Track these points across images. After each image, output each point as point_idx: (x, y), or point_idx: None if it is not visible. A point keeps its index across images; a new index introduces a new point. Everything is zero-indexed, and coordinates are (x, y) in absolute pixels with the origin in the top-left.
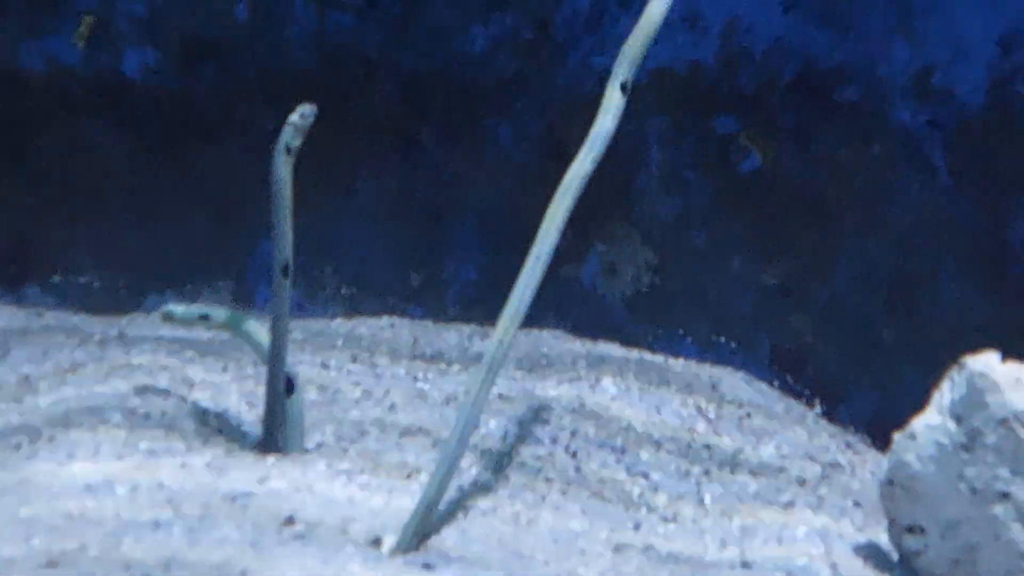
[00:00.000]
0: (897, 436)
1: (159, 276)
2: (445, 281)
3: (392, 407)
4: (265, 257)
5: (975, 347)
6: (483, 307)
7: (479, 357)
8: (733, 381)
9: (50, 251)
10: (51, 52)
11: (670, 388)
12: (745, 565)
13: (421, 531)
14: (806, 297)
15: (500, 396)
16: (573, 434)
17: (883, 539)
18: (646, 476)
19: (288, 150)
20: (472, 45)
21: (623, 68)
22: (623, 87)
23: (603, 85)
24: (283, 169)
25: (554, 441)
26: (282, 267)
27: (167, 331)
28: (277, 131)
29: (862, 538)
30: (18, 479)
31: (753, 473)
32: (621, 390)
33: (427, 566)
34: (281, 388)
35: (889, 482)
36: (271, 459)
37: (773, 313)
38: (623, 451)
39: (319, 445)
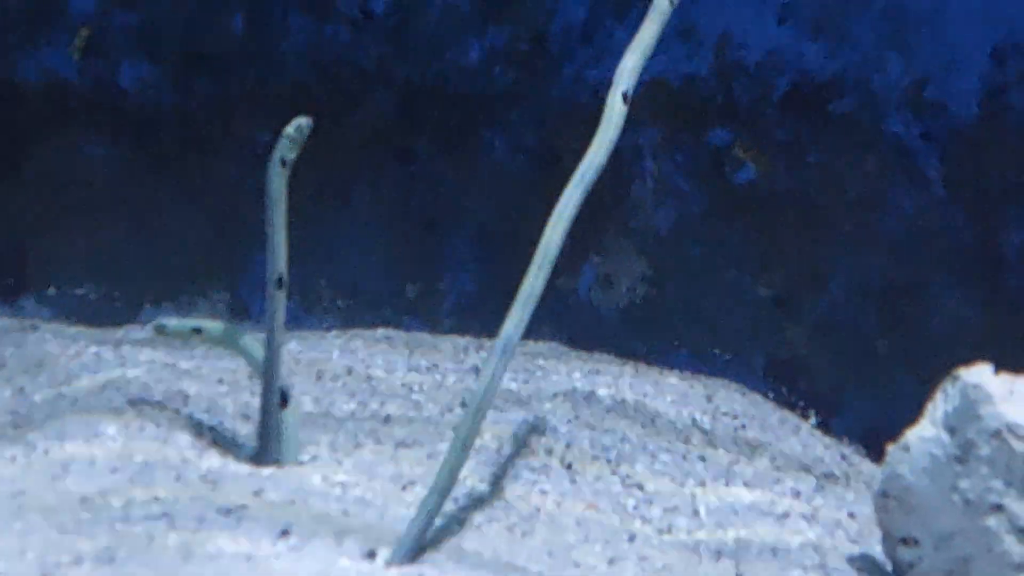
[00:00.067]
0: (891, 448)
1: (155, 288)
2: (441, 293)
3: (387, 419)
4: (260, 269)
5: (969, 358)
6: (479, 319)
7: (475, 369)
8: (728, 393)
9: (46, 263)
10: (47, 64)
11: (665, 400)
12: None
13: (417, 544)
14: (801, 308)
15: (496, 408)
16: (568, 446)
17: (877, 551)
18: (641, 488)
19: (283, 163)
20: (467, 57)
21: (624, 77)
22: (624, 96)
23: (598, 97)
24: (278, 182)
25: (549, 453)
26: (276, 280)
27: (163, 343)
28: (273, 143)
29: (856, 550)
30: (13, 491)
31: (748, 485)
32: (616, 402)
33: None
34: (276, 400)
35: (883, 494)
36: (266, 471)
37: (768, 324)
38: (618, 463)
39: (314, 457)
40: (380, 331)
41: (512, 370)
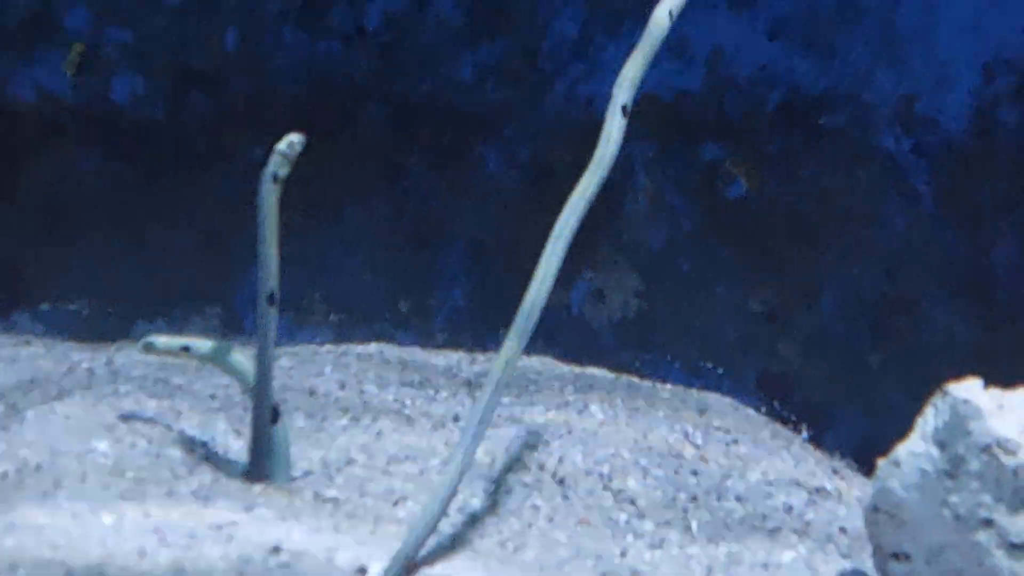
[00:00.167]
0: (881, 463)
1: (148, 303)
2: (433, 307)
3: (379, 434)
4: (254, 284)
5: (960, 372)
6: (472, 333)
7: (467, 383)
8: (720, 407)
9: (39, 279)
10: (41, 81)
11: (657, 414)
12: None
13: (408, 560)
14: (792, 323)
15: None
16: (560, 460)
17: (869, 566)
18: (633, 502)
19: (275, 179)
20: (460, 73)
21: (623, 91)
22: (623, 109)
23: (590, 112)
24: (270, 198)
25: (541, 467)
26: (267, 296)
27: (155, 359)
28: (266, 159)
29: (848, 564)
30: (3, 509)
31: (740, 499)
32: (609, 416)
33: None
34: (267, 417)
35: (874, 509)
36: (258, 488)
37: (760, 339)
38: (610, 477)
39: (306, 473)
40: (373, 346)
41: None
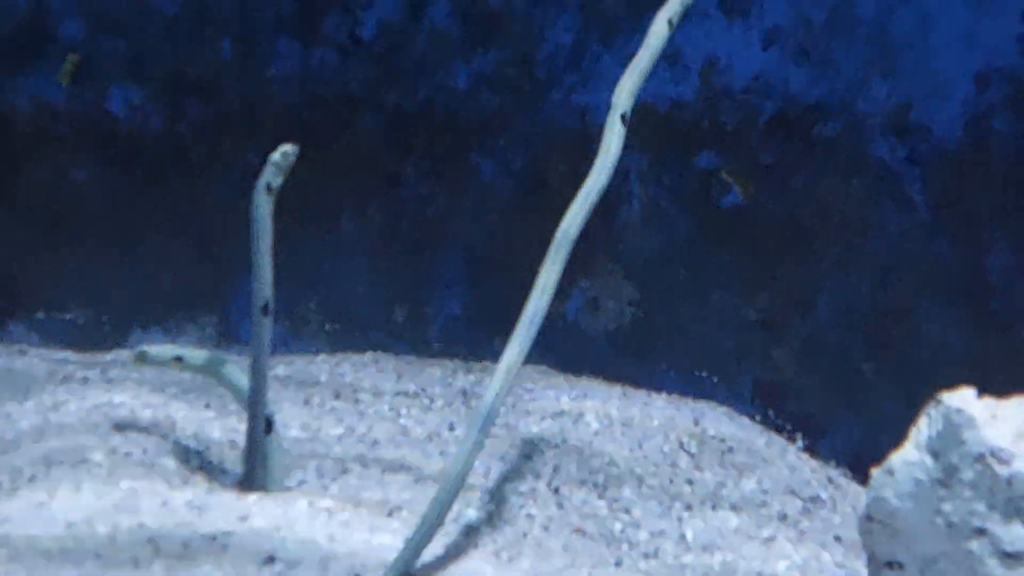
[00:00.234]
0: (875, 472)
1: (143, 312)
2: (429, 316)
3: (375, 443)
4: (249, 293)
5: (955, 380)
6: (467, 342)
7: (463, 392)
8: (715, 415)
9: (34, 288)
10: (36, 90)
11: (652, 423)
12: None
13: (404, 572)
14: (787, 331)
15: None
16: (555, 469)
17: (863, 574)
18: (628, 511)
19: (269, 189)
20: (455, 81)
21: (623, 99)
22: (623, 118)
23: (585, 121)
24: (263, 208)
25: (536, 477)
26: (261, 306)
27: (150, 368)
28: (262, 168)
29: (842, 573)
30: None
31: (735, 508)
32: (603, 425)
33: None
34: (262, 427)
35: (868, 518)
36: (252, 497)
37: (755, 347)
38: (605, 487)
39: (301, 483)
40: (368, 355)
41: None
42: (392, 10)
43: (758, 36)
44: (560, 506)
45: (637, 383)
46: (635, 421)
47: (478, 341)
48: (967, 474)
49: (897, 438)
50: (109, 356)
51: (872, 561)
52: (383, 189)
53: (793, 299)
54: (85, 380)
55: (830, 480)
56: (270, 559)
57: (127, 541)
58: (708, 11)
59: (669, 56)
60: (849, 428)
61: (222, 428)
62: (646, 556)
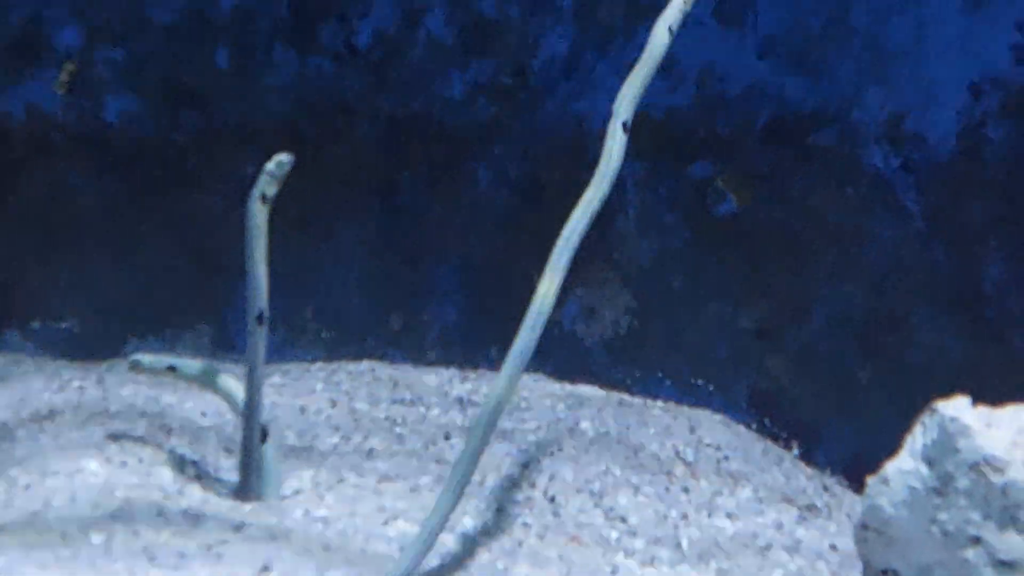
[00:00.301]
0: (870, 480)
1: (139, 321)
2: (425, 324)
3: (370, 452)
4: (244, 302)
5: (949, 389)
6: (463, 350)
7: (459, 401)
8: (711, 424)
9: (30, 296)
10: (32, 99)
11: (648, 431)
12: None
13: None
14: (783, 339)
15: None
16: (551, 477)
17: None
18: (624, 520)
19: (263, 198)
20: (451, 90)
21: (624, 107)
22: (624, 126)
23: (581, 129)
24: (258, 218)
25: (532, 485)
26: (257, 316)
27: (145, 377)
28: (257, 177)
29: None
30: None
31: (730, 516)
32: (599, 433)
33: None
34: (257, 436)
35: (863, 526)
36: (248, 506)
37: (750, 356)
38: (601, 495)
39: (296, 492)
40: (364, 363)
41: None
42: (388, 19)
43: (753, 45)
44: (556, 514)
45: (633, 391)
46: (631, 430)
47: (474, 350)
48: (962, 483)
49: (892, 446)
50: (105, 365)
51: (868, 569)
52: (379, 198)
53: (788, 307)
54: (81, 389)
55: (825, 488)
56: (265, 569)
57: (122, 550)
58: (703, 20)
59: (665, 64)
60: (844, 436)
61: (217, 436)
62: (642, 564)
